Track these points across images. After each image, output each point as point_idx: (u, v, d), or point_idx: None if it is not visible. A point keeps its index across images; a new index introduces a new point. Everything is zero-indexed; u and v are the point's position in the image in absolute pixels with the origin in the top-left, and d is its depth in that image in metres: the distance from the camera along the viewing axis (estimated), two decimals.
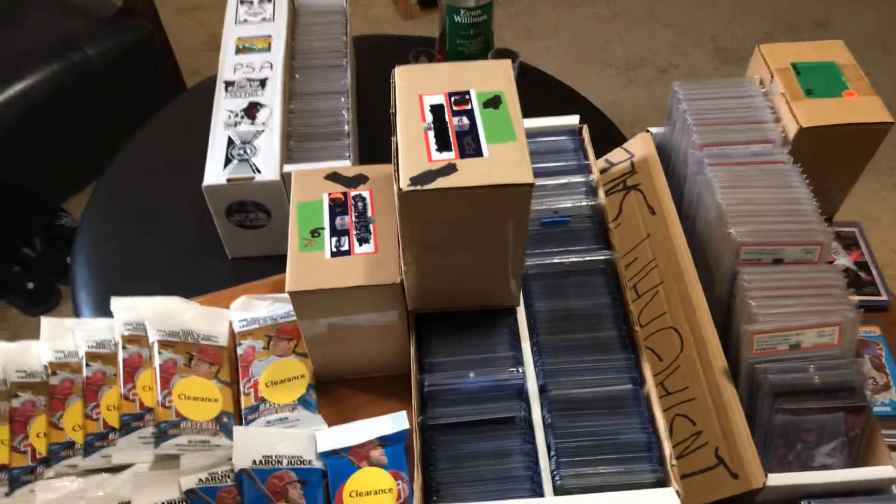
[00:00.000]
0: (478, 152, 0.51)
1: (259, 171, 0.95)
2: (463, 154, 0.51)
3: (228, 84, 1.06)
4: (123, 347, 0.67)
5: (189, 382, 0.66)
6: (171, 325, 0.69)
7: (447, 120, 0.53)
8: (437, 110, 0.53)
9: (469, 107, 0.54)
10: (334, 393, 0.69)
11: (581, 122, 0.74)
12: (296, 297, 0.59)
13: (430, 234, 0.53)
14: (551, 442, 0.55)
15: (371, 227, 0.62)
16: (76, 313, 1.02)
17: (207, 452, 0.62)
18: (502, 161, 0.51)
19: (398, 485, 0.61)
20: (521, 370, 0.58)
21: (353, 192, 0.64)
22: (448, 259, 0.56)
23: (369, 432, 0.64)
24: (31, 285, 1.61)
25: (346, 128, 1.04)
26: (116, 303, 0.70)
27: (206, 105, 1.02)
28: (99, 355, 0.67)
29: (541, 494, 0.52)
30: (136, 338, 0.68)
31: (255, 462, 0.61)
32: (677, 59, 2.06)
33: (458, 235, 0.54)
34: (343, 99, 1.08)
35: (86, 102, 1.55)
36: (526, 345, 0.60)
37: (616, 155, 0.80)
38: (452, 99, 0.54)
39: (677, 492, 0.51)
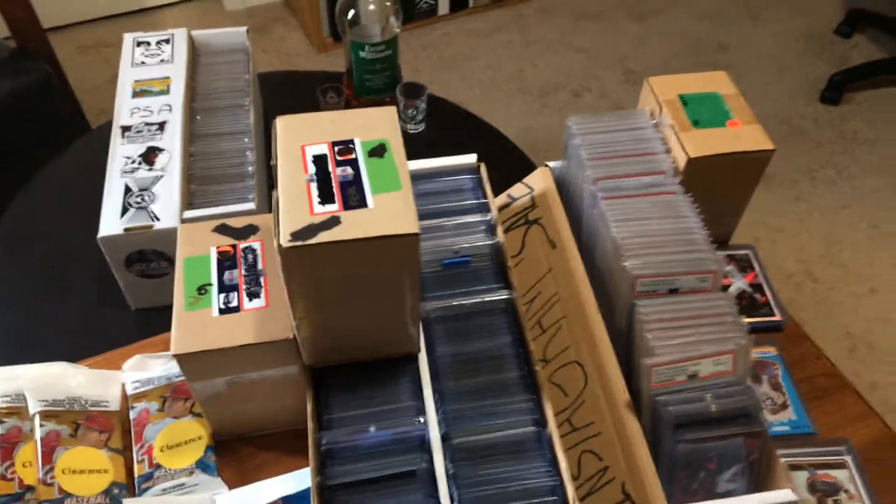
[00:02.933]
0: (362, 203, 0.50)
1: (158, 219, 0.91)
2: (347, 206, 0.50)
3: (125, 129, 1.02)
4: (0, 422, 0.62)
5: (75, 454, 0.62)
6: (54, 394, 0.65)
7: (330, 171, 0.52)
8: (319, 161, 0.52)
9: (353, 156, 0.53)
10: (235, 452, 0.66)
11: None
12: (182, 359, 0.56)
13: (317, 290, 0.52)
14: (454, 493, 0.54)
15: (262, 280, 0.60)
16: None
17: None
18: (387, 211, 0.50)
19: None
20: (422, 420, 0.57)
21: (242, 245, 0.62)
22: (340, 313, 0.54)
23: (272, 493, 0.62)
24: None
25: (250, 168, 1.02)
26: None
27: (108, 147, 0.98)
28: None
29: None
30: (15, 410, 0.63)
31: None
32: (589, 83, 2.12)
33: (348, 289, 0.52)
34: (246, 139, 1.05)
35: None
36: (427, 391, 0.59)
37: (517, 189, 0.81)
38: (336, 148, 0.53)
39: None
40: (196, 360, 0.56)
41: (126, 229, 0.90)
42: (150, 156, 1.00)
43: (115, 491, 0.61)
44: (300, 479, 0.62)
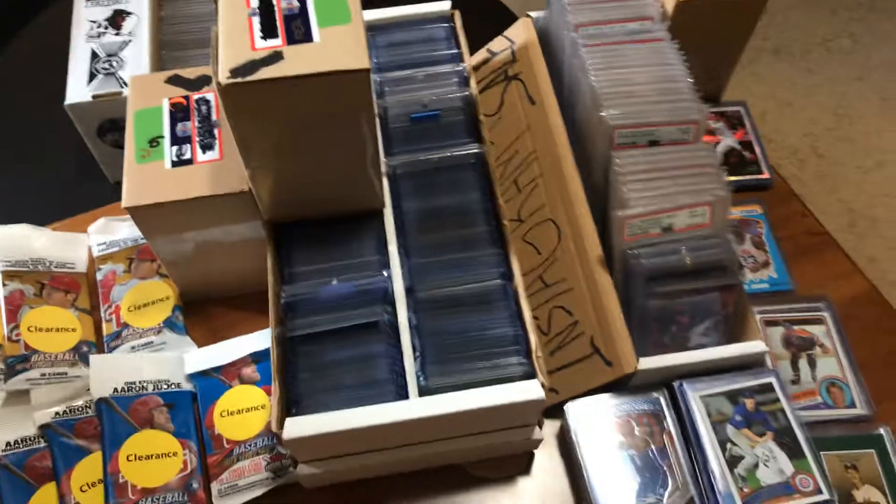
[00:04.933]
0: (307, 37, 0.46)
1: (126, 85, 0.87)
2: (291, 40, 0.46)
3: None
4: None
5: (40, 313, 0.61)
6: (17, 255, 0.63)
7: (274, 3, 0.48)
8: None
9: None
10: (204, 313, 0.65)
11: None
12: (135, 212, 0.54)
13: (264, 135, 0.49)
14: (416, 343, 0.53)
15: (216, 131, 0.57)
16: None
17: (63, 385, 0.58)
18: (334, 46, 0.46)
19: (271, 401, 0.59)
20: (385, 273, 0.55)
21: (196, 95, 0.59)
22: (292, 161, 0.52)
23: (240, 350, 0.62)
24: None
25: None
26: None
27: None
28: None
29: (406, 397, 0.51)
30: None
31: (116, 390, 0.58)
32: None
33: (300, 134, 0.49)
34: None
35: None
36: (393, 248, 0.57)
37: (497, 44, 0.76)
38: None
39: (542, 384, 0.50)
40: (149, 213, 0.54)
41: (94, 96, 0.87)
42: (116, 19, 0.94)
43: (84, 349, 0.61)
44: (268, 337, 0.62)
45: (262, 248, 0.61)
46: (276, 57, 0.45)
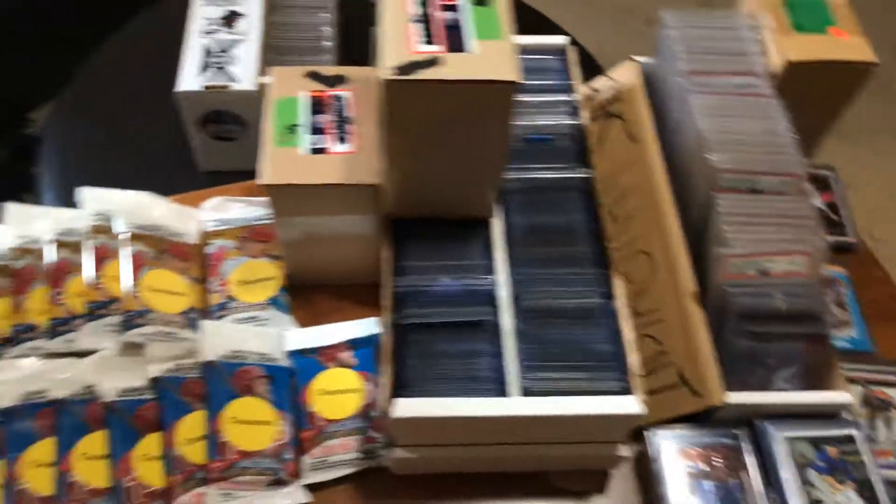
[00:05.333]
0: (463, 47, 0.50)
1: (236, 80, 0.92)
2: (448, 48, 0.50)
3: None
4: (92, 237, 0.65)
5: (158, 275, 0.65)
6: (141, 219, 0.68)
7: (433, 13, 0.52)
8: (422, 3, 0.52)
9: (456, 2, 0.52)
10: (308, 297, 0.68)
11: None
12: (271, 190, 0.58)
13: (412, 131, 0.52)
14: (520, 346, 0.55)
15: (349, 127, 0.61)
16: None
17: (173, 343, 0.62)
18: (489, 57, 0.50)
19: (366, 386, 0.62)
20: (491, 278, 0.58)
21: (331, 92, 0.63)
22: (428, 160, 0.55)
23: (340, 335, 0.64)
24: None
25: (326, 44, 1.02)
26: (86, 193, 0.68)
27: (183, 15, 0.99)
28: (65, 243, 0.66)
29: (505, 395, 0.53)
30: (104, 228, 0.66)
31: (221, 356, 0.61)
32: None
33: (442, 135, 0.53)
34: (326, 14, 1.05)
35: (56, 7, 1.49)
36: (499, 255, 0.60)
37: (600, 82, 0.80)
38: None
39: (642, 400, 0.52)
40: (283, 192, 0.58)
41: (205, 87, 0.92)
42: (230, 19, 1.00)
43: (192, 315, 0.65)
44: (367, 325, 0.65)
45: (370, 243, 0.64)
46: (434, 61, 0.49)
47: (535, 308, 0.58)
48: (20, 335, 0.61)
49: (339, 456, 0.59)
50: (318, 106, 0.62)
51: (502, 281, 0.59)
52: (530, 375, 0.54)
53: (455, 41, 0.50)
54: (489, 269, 0.59)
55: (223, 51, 0.95)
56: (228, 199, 0.72)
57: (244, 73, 0.92)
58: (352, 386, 0.62)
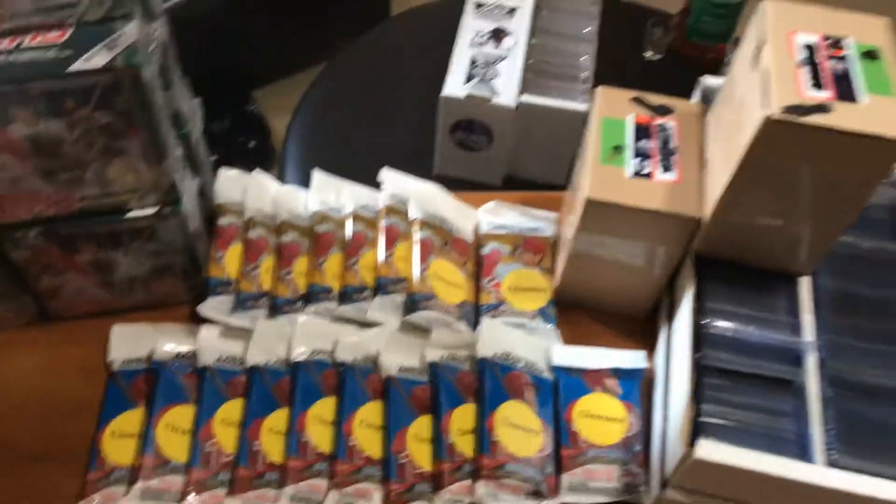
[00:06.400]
0: (853, 98, 0.48)
1: (498, 94, 0.95)
2: (839, 96, 0.48)
3: (479, 5, 1.06)
4: (386, 216, 0.68)
5: (441, 264, 0.67)
6: (430, 208, 0.70)
7: (820, 61, 0.50)
8: (809, 49, 0.51)
9: (844, 53, 0.51)
10: (571, 316, 0.68)
11: None
12: (592, 205, 0.58)
13: (766, 172, 0.51)
14: (826, 415, 0.52)
15: (674, 157, 0.60)
16: None
17: (451, 332, 0.63)
18: (881, 112, 0.48)
19: (630, 417, 0.60)
20: (799, 339, 0.56)
21: (658, 120, 0.63)
22: (769, 206, 0.54)
23: (606, 361, 0.63)
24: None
25: (584, 74, 1.03)
26: (385, 174, 0.71)
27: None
28: (361, 217, 0.68)
29: (809, 462, 0.50)
30: (396, 210, 0.69)
31: (495, 355, 0.61)
32: None
33: (796, 182, 0.51)
34: (585, 45, 1.06)
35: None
36: (808, 317, 0.57)
37: None
38: (827, 42, 0.52)
39: None
40: (602, 210, 0.58)
41: (468, 95, 0.94)
42: (498, 35, 1.03)
43: (466, 308, 0.66)
44: (635, 358, 0.63)
45: (653, 276, 0.63)
46: (825, 108, 0.48)
47: (845, 379, 0.54)
48: (316, 294, 0.63)
49: (599, 483, 0.57)
50: (642, 131, 0.62)
51: (809, 343, 0.56)
52: (838, 448, 0.51)
53: (844, 90, 0.49)
54: (795, 329, 0.57)
55: (488, 64, 0.98)
56: (503, 203, 0.74)
57: (506, 88, 0.95)
58: (616, 415, 0.61)
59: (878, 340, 0.56)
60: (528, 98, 0.96)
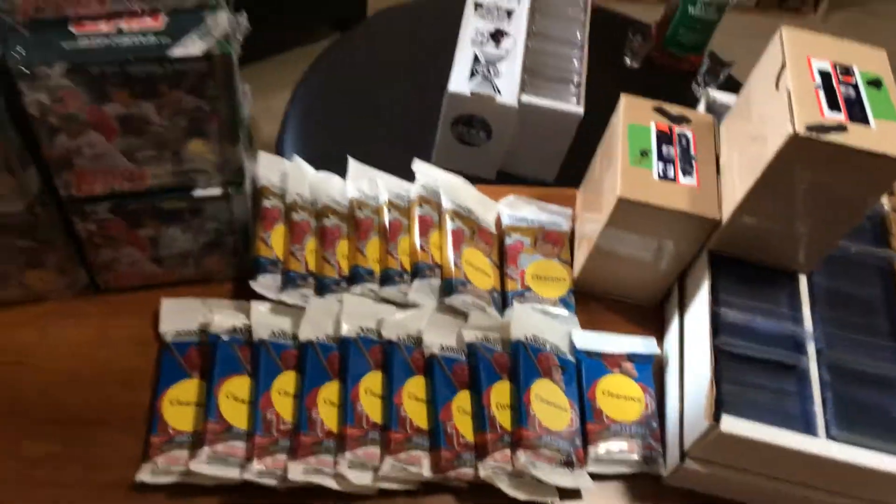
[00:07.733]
0: (864, 121, 0.56)
1: (500, 93, 1.00)
2: (852, 118, 0.56)
3: (478, 5, 1.11)
4: (419, 206, 0.72)
5: (471, 253, 0.71)
6: (458, 199, 0.74)
7: (834, 86, 0.58)
8: (825, 75, 0.58)
9: (854, 80, 0.58)
10: (588, 304, 0.74)
11: None
12: (623, 204, 0.64)
13: (784, 182, 0.58)
14: (825, 396, 0.60)
15: (693, 163, 0.67)
16: None
17: (485, 316, 0.68)
18: (886, 134, 0.55)
19: (646, 398, 0.67)
20: (800, 328, 0.63)
21: (677, 129, 0.69)
22: (783, 211, 0.61)
23: (622, 346, 0.70)
24: None
25: (576, 78, 1.09)
26: (417, 165, 0.75)
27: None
28: (396, 206, 0.72)
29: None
30: (428, 200, 0.73)
31: (526, 338, 0.67)
32: None
33: (809, 191, 0.59)
34: (577, 51, 1.12)
35: None
36: (807, 310, 0.65)
37: None
38: (838, 69, 0.59)
39: None
40: (632, 208, 0.64)
41: (472, 92, 0.99)
42: (497, 35, 1.08)
43: (495, 294, 0.71)
44: (648, 344, 0.70)
45: (668, 270, 0.70)
46: (842, 128, 0.55)
47: (840, 366, 0.62)
48: (360, 276, 0.67)
49: (622, 455, 0.63)
50: (663, 138, 0.68)
51: (808, 333, 0.63)
52: (836, 425, 0.58)
53: (857, 113, 0.56)
54: (797, 320, 0.64)
55: (490, 63, 1.03)
56: (519, 198, 0.79)
57: (507, 88, 1.00)
58: (634, 395, 0.67)
59: (866, 333, 0.65)
60: (528, 98, 1.02)
